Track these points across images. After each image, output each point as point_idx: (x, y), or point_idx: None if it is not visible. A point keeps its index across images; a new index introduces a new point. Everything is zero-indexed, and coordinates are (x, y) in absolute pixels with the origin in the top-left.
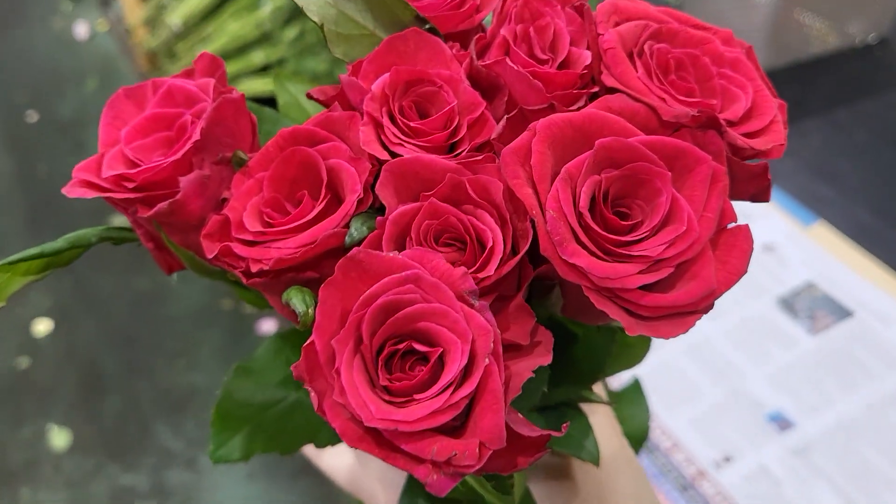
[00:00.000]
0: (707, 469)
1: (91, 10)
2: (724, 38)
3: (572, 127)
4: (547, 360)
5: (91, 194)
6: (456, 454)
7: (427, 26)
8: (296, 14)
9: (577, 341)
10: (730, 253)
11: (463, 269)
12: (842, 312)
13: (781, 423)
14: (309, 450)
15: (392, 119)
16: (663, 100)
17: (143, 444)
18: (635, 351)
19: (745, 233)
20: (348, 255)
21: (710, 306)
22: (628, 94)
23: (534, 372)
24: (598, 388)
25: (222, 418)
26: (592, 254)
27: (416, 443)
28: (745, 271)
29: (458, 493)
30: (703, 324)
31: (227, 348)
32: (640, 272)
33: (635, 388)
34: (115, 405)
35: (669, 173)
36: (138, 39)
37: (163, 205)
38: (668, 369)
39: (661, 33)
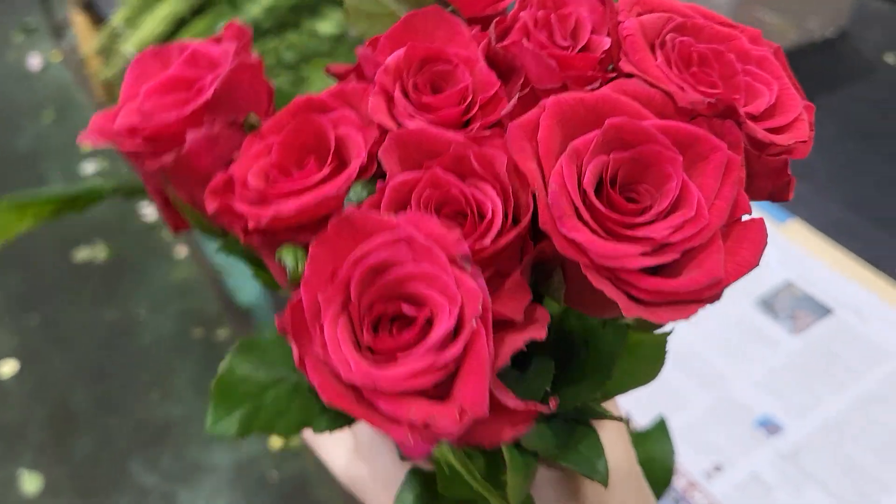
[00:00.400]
0: (698, 480)
1: (44, 41)
2: (751, 37)
3: (584, 106)
4: (541, 335)
5: (102, 142)
6: (435, 417)
7: (449, 9)
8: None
9: (585, 345)
10: (740, 244)
11: (458, 232)
12: (821, 310)
13: (770, 427)
14: (309, 435)
15: (405, 94)
16: (681, 88)
17: (117, 483)
18: (649, 365)
19: (758, 225)
20: (342, 213)
21: (717, 296)
22: (645, 80)
23: (535, 365)
24: (612, 408)
25: (222, 392)
26: (594, 231)
27: (394, 403)
28: (756, 264)
29: (462, 493)
30: (685, 330)
31: (201, 378)
32: (643, 254)
33: (660, 427)
34: (88, 444)
35: (681, 157)
36: (93, 69)
37: (168, 157)
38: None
39: (685, 27)
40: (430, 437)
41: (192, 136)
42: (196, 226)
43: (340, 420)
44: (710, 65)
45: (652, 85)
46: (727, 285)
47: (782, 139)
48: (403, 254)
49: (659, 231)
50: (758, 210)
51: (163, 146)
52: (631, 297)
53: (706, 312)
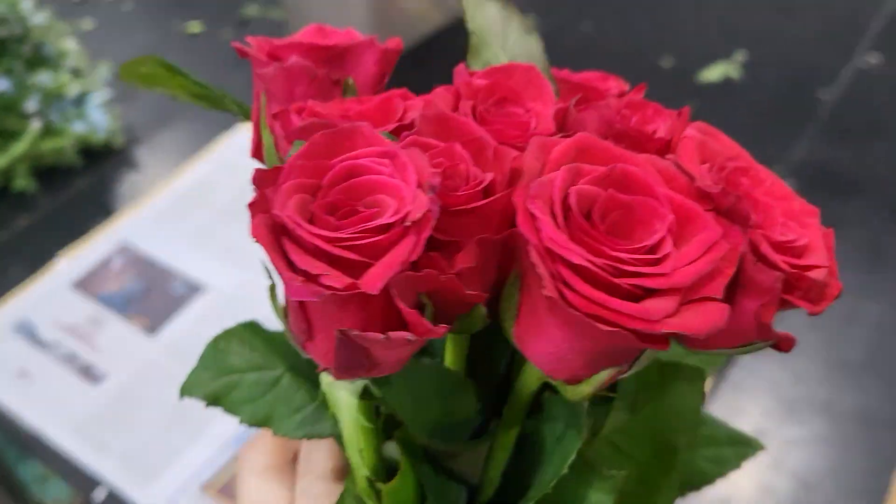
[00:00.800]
0: None
1: None
2: (804, 210)
3: (608, 153)
4: (462, 290)
5: (243, 49)
6: (329, 274)
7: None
8: None
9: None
10: (694, 314)
11: (437, 170)
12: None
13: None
14: (246, 466)
15: (473, 108)
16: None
17: None
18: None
19: (719, 308)
20: (356, 122)
21: (642, 337)
22: (677, 164)
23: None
24: None
25: (211, 355)
26: (557, 227)
27: (303, 257)
28: (699, 335)
29: None
30: None
31: None
32: (590, 261)
33: None
34: None
35: (673, 216)
36: None
37: (271, 68)
38: None
39: (745, 171)
40: (315, 289)
41: (295, 58)
42: (266, 150)
43: (300, 430)
44: (754, 204)
45: (680, 168)
46: (657, 330)
47: (786, 267)
48: (384, 167)
49: (618, 253)
50: None
51: (274, 62)
52: (559, 290)
53: None
